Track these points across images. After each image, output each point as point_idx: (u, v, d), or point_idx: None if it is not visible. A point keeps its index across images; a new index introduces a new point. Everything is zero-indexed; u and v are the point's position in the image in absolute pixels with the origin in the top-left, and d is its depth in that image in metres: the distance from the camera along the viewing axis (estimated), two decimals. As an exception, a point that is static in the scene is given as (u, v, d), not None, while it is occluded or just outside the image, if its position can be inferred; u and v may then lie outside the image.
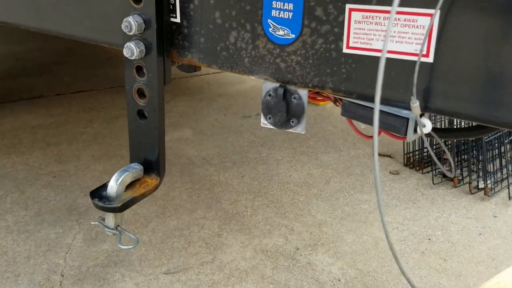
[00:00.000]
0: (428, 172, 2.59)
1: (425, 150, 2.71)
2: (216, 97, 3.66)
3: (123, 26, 1.02)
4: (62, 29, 1.24)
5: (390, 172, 2.61)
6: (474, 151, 2.59)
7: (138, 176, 1.14)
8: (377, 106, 0.70)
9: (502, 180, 2.48)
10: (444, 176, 2.55)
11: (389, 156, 2.77)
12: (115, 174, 1.11)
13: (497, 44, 0.75)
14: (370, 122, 0.91)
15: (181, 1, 1.03)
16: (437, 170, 2.58)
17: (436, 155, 2.69)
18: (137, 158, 1.18)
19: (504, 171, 2.53)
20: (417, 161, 2.65)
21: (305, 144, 2.92)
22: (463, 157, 2.65)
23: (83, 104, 3.32)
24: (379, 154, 2.77)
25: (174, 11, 1.05)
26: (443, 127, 2.62)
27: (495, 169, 2.51)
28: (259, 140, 2.94)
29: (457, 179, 2.50)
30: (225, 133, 3.04)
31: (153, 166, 1.16)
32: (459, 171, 2.56)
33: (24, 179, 2.39)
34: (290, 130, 1.04)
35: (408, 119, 0.85)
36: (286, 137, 2.94)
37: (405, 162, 2.68)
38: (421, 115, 0.86)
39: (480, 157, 2.53)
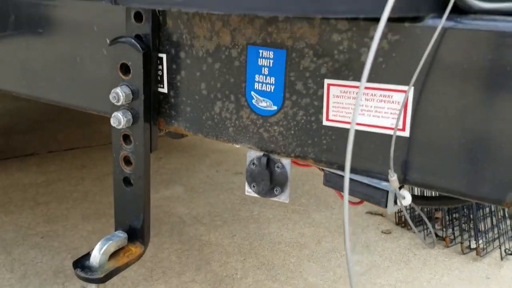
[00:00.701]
0: (420, 231, 2.57)
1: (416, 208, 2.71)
2: (208, 153, 3.68)
3: (111, 97, 1.04)
4: (52, 97, 1.27)
5: (382, 232, 2.59)
6: (465, 210, 2.59)
7: (122, 244, 1.14)
8: (347, 176, 0.72)
9: (494, 239, 2.46)
10: (436, 235, 2.53)
11: (381, 215, 2.76)
12: (99, 243, 1.10)
13: (471, 119, 0.78)
14: (351, 193, 0.92)
15: (169, 73, 1.07)
16: (428, 230, 2.57)
17: (427, 214, 2.68)
18: (122, 225, 1.18)
19: (496, 230, 2.51)
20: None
21: (297, 201, 2.91)
22: (454, 215, 2.65)
23: (75, 161, 3.33)
24: (371, 213, 2.76)
25: (162, 82, 1.09)
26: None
27: (486, 228, 2.50)
28: (250, 197, 2.93)
29: (449, 238, 2.48)
30: (217, 190, 3.04)
31: (137, 233, 1.16)
32: (450, 230, 2.55)
33: (12, 239, 2.35)
34: (274, 198, 1.05)
35: (387, 191, 0.86)
36: (277, 195, 2.94)
37: (397, 221, 2.67)
38: (401, 187, 0.88)
39: (471, 215, 2.53)
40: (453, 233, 2.52)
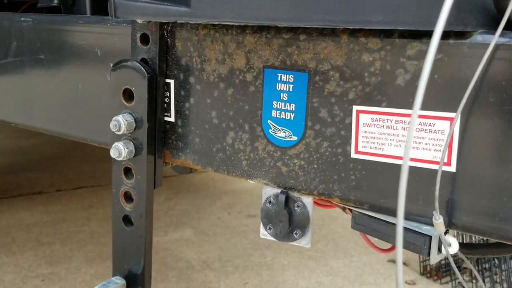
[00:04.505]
0: (447, 282, 2.37)
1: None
2: (220, 194, 3.55)
3: (111, 125, 0.94)
4: (51, 127, 1.18)
5: (406, 282, 2.39)
6: (496, 260, 2.40)
7: (119, 292, 1.00)
8: (400, 223, 0.58)
9: (531, 293, 2.25)
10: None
11: (404, 264, 2.56)
12: (93, 290, 0.97)
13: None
14: (385, 238, 0.78)
15: (176, 100, 0.97)
16: (457, 281, 2.37)
17: (454, 263, 2.49)
18: (120, 270, 1.05)
19: (532, 282, 2.31)
20: (435, 269, 2.45)
21: (313, 247, 2.73)
22: (484, 266, 2.45)
23: (82, 201, 3.22)
24: (394, 261, 2.57)
25: (169, 110, 0.98)
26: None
27: (521, 280, 2.30)
28: (264, 242, 2.77)
29: (480, 291, 2.28)
30: (228, 233, 2.88)
31: (137, 280, 1.03)
32: (481, 281, 2.34)
33: (10, 282, 2.22)
34: (294, 243, 0.91)
35: (430, 237, 0.73)
36: (292, 240, 2.77)
37: (422, 271, 2.47)
38: (445, 232, 0.74)
39: (503, 266, 2.33)
40: (484, 285, 2.32)
